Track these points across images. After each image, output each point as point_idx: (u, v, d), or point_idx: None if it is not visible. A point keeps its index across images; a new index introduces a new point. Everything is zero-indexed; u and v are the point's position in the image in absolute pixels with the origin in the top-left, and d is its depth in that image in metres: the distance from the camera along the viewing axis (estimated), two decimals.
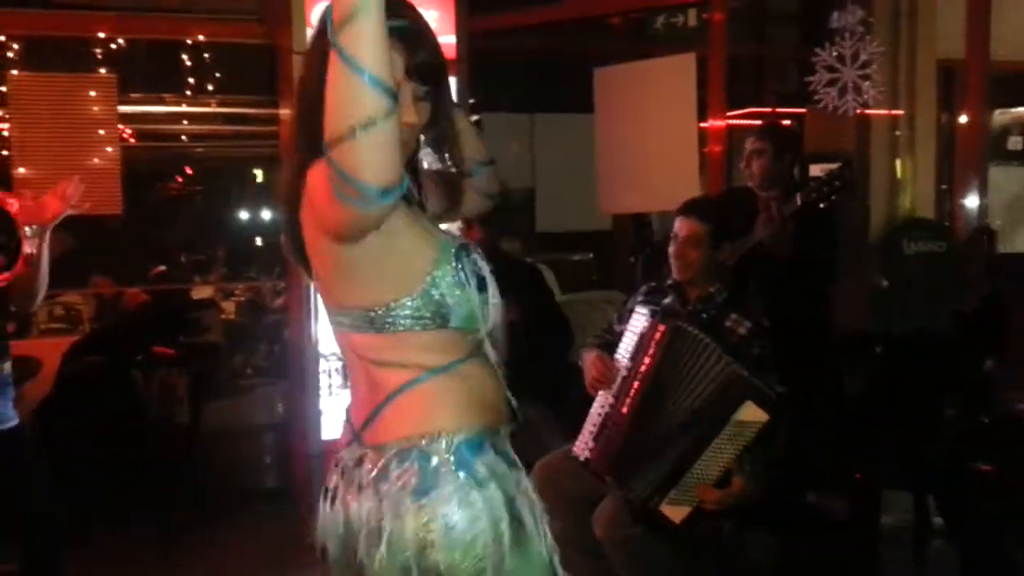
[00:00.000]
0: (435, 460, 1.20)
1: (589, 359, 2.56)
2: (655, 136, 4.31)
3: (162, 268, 6.26)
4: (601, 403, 2.50)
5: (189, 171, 8.73)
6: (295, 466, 3.95)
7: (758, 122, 6.59)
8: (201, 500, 3.94)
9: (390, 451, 1.21)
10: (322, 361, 3.68)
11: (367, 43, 0.97)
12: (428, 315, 1.22)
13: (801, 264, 2.90)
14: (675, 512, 2.24)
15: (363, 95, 0.98)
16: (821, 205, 2.81)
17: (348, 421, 1.35)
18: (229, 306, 6.80)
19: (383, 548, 1.18)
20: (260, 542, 3.71)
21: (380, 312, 1.22)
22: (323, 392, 3.67)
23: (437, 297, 1.22)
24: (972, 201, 3.93)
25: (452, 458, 1.20)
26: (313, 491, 3.49)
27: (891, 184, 5.24)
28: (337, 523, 1.27)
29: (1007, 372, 2.87)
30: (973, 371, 2.96)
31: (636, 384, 2.37)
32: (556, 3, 4.58)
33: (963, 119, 4.13)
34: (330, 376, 3.71)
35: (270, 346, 6.22)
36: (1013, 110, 7.21)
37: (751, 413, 2.15)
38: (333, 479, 1.31)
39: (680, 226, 2.59)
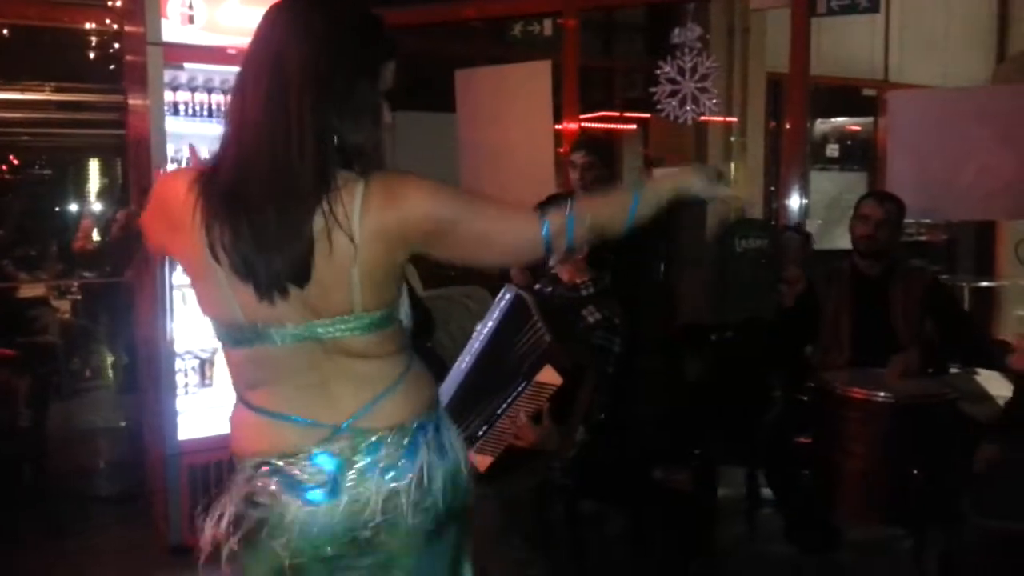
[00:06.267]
0: (425, 436, 1.39)
1: None
2: (514, 137, 4.48)
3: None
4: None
5: (16, 161, 8.14)
6: (151, 467, 3.83)
7: (607, 126, 6.97)
8: (48, 505, 3.78)
9: (388, 433, 1.36)
10: (178, 360, 3.59)
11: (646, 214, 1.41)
12: (405, 307, 1.41)
13: (629, 255, 3.13)
14: (481, 460, 2.39)
15: (620, 226, 1.42)
16: None
17: (302, 423, 1.36)
18: (65, 304, 6.44)
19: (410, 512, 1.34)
20: (113, 545, 3.59)
21: (394, 307, 1.38)
22: (179, 392, 3.58)
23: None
24: (795, 202, 4.33)
25: (432, 434, 1.42)
26: (170, 492, 3.43)
27: (725, 186, 5.68)
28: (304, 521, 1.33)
29: (819, 354, 3.24)
30: (794, 355, 3.33)
31: (478, 343, 2.53)
32: (418, 6, 4.68)
33: (787, 127, 4.54)
34: (186, 375, 3.63)
35: (112, 346, 5.94)
36: (832, 120, 7.95)
37: (548, 376, 2.34)
38: (274, 487, 1.34)
39: None
